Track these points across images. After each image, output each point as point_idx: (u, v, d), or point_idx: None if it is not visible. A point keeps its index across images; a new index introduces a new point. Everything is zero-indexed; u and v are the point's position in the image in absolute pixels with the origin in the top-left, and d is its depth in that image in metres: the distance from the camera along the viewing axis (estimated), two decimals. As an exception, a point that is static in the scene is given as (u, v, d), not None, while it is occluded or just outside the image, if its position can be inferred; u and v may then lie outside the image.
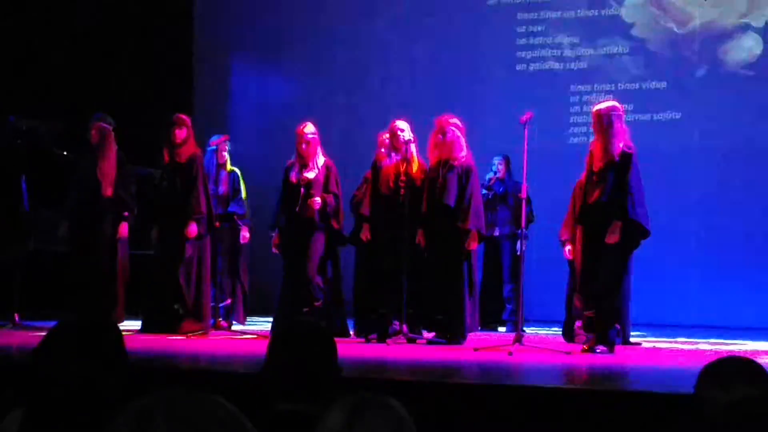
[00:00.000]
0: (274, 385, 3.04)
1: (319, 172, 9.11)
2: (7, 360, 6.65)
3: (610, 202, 7.83)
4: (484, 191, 10.36)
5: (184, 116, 9.35)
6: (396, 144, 8.83)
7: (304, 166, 9.14)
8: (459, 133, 8.77)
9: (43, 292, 9.68)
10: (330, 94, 12.99)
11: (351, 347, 7.89)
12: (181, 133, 9.19)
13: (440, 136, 8.77)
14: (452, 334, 8.56)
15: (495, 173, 10.73)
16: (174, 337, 8.76)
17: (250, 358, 7.03)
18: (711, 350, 8.24)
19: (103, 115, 9.35)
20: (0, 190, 9.56)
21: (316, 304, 8.86)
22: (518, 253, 8.39)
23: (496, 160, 10.74)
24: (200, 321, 9.15)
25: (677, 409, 4.77)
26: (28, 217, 9.50)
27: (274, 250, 9.20)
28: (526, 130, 8.13)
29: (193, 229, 9.06)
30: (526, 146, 8.06)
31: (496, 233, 10.47)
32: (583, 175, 8.20)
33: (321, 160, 9.16)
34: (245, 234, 9.93)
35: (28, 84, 11.87)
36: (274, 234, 9.24)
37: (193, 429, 1.65)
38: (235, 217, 9.85)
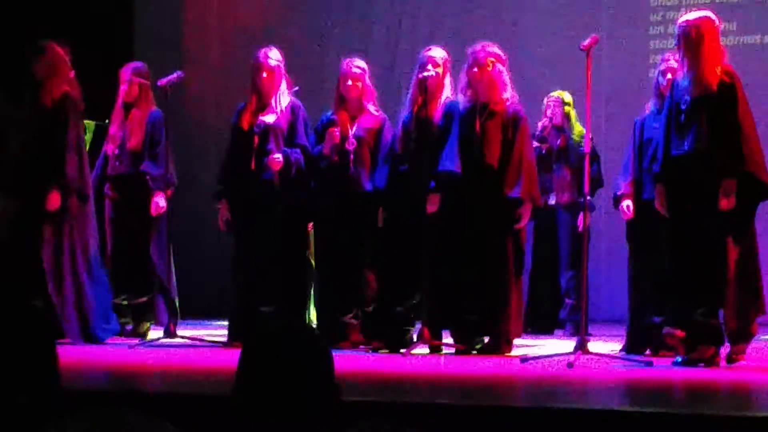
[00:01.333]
0: (248, 410, 3.04)
1: (281, 115, 9.09)
2: None
3: (712, 150, 7.73)
4: (536, 144, 10.36)
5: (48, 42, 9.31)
6: (419, 79, 8.79)
7: (262, 108, 9.12)
8: (501, 68, 8.77)
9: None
10: (318, 18, 13.01)
11: (354, 359, 7.96)
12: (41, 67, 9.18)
13: (476, 71, 8.73)
14: (493, 340, 8.59)
15: (550, 119, 10.69)
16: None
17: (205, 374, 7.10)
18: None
19: None
20: None
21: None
22: (580, 229, 8.35)
23: (551, 102, 10.71)
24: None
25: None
26: None
27: (221, 226, 9.21)
28: (589, 59, 8.07)
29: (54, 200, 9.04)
30: (589, 83, 7.99)
31: (551, 201, 10.41)
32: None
33: (285, 99, 9.14)
34: (159, 202, 9.81)
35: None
36: (219, 204, 9.23)
37: None
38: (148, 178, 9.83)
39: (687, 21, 7.96)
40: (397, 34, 12.81)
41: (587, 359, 7.74)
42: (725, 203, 7.60)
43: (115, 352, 8.78)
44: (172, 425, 4.55)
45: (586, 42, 8.13)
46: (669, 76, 8.24)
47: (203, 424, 5.18)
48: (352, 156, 8.99)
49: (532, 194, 8.64)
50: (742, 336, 7.73)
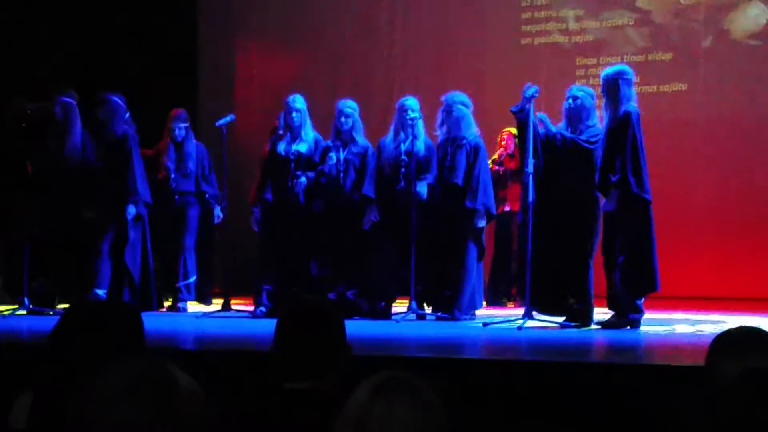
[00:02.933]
0: (283, 364, 3.06)
1: (309, 145, 9.04)
2: (18, 345, 6.67)
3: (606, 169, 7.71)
4: (495, 167, 10.34)
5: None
6: (403, 122, 8.75)
7: (293, 139, 9.07)
8: (466, 111, 8.74)
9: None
10: (334, 73, 12.97)
11: (361, 325, 7.88)
12: (102, 112, 9.16)
13: (447, 113, 8.73)
14: (459, 310, 8.55)
15: (504, 148, 10.61)
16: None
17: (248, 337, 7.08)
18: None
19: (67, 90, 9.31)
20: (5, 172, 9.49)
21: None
22: (529, 229, 8.31)
23: (505, 135, 10.62)
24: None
25: (688, 381, 4.77)
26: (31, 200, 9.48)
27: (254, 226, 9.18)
28: (531, 104, 8.05)
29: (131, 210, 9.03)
30: (529, 128, 7.96)
31: (507, 209, 10.38)
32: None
33: (311, 133, 9.09)
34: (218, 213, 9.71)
35: (33, 67, 11.87)
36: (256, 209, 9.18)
37: (171, 412, 1.66)
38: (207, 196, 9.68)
39: (607, 74, 7.92)
40: (392, 83, 12.77)
41: (531, 325, 7.75)
42: (609, 207, 7.66)
43: (188, 320, 8.75)
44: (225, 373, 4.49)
45: (527, 89, 8.06)
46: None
47: (246, 375, 5.19)
48: (342, 174, 8.92)
49: (486, 205, 8.62)
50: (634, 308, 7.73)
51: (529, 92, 7.97)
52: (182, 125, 9.61)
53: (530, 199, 7.97)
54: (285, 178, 8.99)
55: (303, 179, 8.91)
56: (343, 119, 8.96)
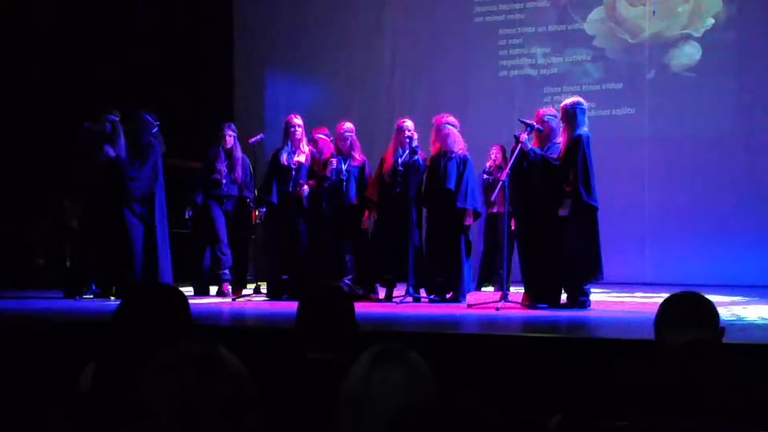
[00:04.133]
0: (305, 339, 3.07)
1: (306, 157, 9.00)
2: (85, 322, 6.68)
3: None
4: (485, 176, 10.33)
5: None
6: (401, 139, 8.77)
7: (294, 152, 9.01)
8: (454, 129, 8.72)
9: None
10: (346, 98, 13.01)
11: (365, 306, 7.83)
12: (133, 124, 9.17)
13: (438, 132, 8.72)
14: (453, 293, 8.54)
15: (494, 160, 10.53)
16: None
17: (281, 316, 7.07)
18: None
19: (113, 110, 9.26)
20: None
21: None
22: (512, 228, 8.30)
23: (494, 149, 10.53)
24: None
25: (640, 353, 4.76)
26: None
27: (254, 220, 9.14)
28: (527, 134, 7.99)
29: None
30: (515, 150, 7.93)
31: (494, 210, 10.37)
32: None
33: (306, 148, 9.04)
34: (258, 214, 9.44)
35: (86, 91, 11.87)
36: (262, 209, 9.15)
37: (216, 384, 1.63)
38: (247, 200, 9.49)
39: (566, 104, 7.94)
40: (392, 106, 12.78)
41: (508, 306, 7.77)
42: (562, 211, 7.64)
43: (224, 304, 8.68)
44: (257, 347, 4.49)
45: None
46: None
47: (274, 349, 5.19)
48: (345, 183, 8.87)
49: (474, 206, 8.60)
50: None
51: (529, 128, 7.94)
52: (232, 134, 9.52)
53: (505, 200, 7.99)
54: (287, 184, 8.94)
55: (306, 188, 8.88)
56: (341, 141, 8.97)
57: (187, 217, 9.57)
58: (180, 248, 9.65)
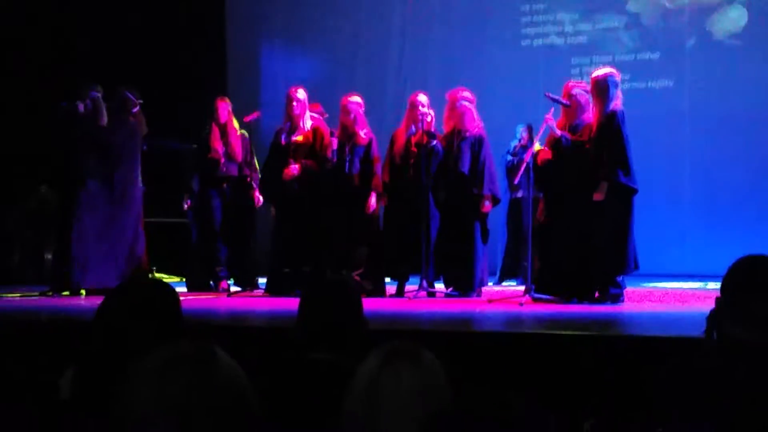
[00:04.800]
0: (307, 337, 3.07)
1: (306, 134, 8.91)
2: (62, 323, 6.69)
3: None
4: (510, 157, 10.32)
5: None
6: (414, 116, 8.70)
7: (293, 129, 8.96)
8: (470, 105, 8.65)
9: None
10: (352, 72, 12.99)
11: (376, 302, 7.83)
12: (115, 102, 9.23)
13: (452, 109, 8.68)
14: (466, 287, 8.52)
15: (519, 140, 10.55)
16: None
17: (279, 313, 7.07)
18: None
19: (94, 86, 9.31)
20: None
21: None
22: (538, 215, 8.28)
23: (520, 128, 10.61)
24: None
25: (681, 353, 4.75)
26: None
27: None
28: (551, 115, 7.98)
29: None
30: (546, 119, 7.94)
31: (519, 195, 10.34)
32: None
33: (308, 123, 8.96)
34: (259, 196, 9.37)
35: (68, 70, 11.90)
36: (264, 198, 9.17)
37: (211, 385, 1.66)
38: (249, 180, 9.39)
39: (597, 76, 7.90)
40: (404, 81, 12.78)
41: (532, 301, 7.74)
42: (597, 195, 7.61)
43: (222, 300, 8.70)
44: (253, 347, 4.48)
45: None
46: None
47: (270, 349, 5.19)
48: (348, 164, 8.81)
49: (492, 191, 8.58)
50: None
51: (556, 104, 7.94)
52: (225, 106, 9.49)
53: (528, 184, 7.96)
54: (285, 167, 8.88)
55: (294, 168, 8.80)
56: (344, 115, 8.86)
57: (185, 207, 9.56)
58: (180, 240, 9.67)
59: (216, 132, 9.42)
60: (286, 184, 8.84)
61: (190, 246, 9.67)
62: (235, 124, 9.51)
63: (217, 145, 9.37)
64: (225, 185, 9.44)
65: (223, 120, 9.42)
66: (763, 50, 11.45)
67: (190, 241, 9.66)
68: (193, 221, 9.66)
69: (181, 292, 8.80)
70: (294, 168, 8.80)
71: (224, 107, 9.49)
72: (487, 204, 8.56)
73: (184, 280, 9.77)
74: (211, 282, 9.49)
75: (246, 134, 9.49)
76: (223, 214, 9.43)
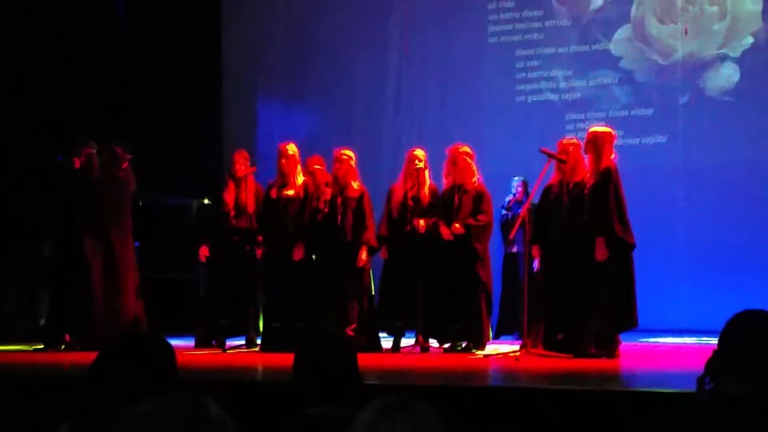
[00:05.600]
0: (303, 393, 3.04)
1: (297, 189, 8.92)
2: (58, 376, 6.65)
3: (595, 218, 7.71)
4: (504, 211, 10.31)
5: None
6: (410, 169, 8.76)
7: (284, 185, 8.97)
8: (470, 160, 8.72)
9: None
10: (347, 127, 13.03)
11: (369, 357, 7.79)
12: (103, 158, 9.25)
13: (452, 164, 8.72)
14: (475, 340, 8.44)
15: (514, 195, 10.55)
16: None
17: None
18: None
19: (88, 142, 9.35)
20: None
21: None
22: (534, 270, 8.27)
23: (515, 183, 10.61)
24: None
25: (672, 406, 4.73)
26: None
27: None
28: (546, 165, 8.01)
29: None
30: (541, 175, 7.95)
31: (514, 250, 10.35)
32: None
33: (300, 178, 8.98)
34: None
35: (66, 117, 11.94)
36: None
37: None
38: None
39: (596, 131, 7.97)
40: (399, 136, 12.82)
41: (528, 355, 7.71)
42: (600, 254, 7.61)
43: (217, 356, 8.67)
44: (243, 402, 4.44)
45: (546, 148, 8.09)
46: None
47: (263, 405, 5.16)
48: (339, 216, 8.74)
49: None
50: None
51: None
52: (243, 161, 9.39)
53: (524, 239, 7.96)
54: (278, 221, 8.87)
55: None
56: (337, 165, 8.85)
57: (201, 258, 9.49)
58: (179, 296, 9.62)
59: (230, 185, 9.38)
60: (278, 239, 8.82)
61: (197, 301, 9.60)
62: (251, 178, 9.41)
63: (228, 199, 9.33)
64: (235, 238, 9.30)
65: (239, 174, 9.35)
66: (755, 107, 11.52)
67: (198, 296, 9.59)
68: (203, 274, 9.60)
69: (178, 347, 8.71)
70: (299, 252, 8.77)
71: (240, 161, 9.43)
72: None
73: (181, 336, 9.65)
74: (213, 340, 9.28)
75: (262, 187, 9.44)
76: (230, 268, 9.27)
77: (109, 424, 2.43)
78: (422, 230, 8.51)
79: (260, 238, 9.16)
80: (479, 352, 8.28)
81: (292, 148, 9.01)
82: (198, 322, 9.49)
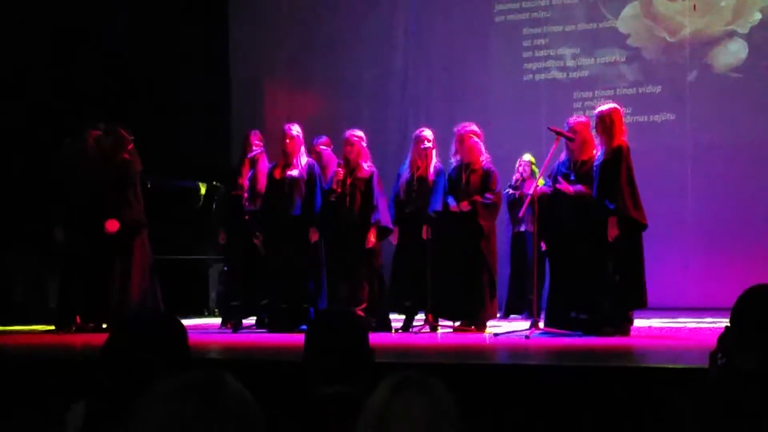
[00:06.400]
0: (315, 371, 3.04)
1: (301, 170, 8.87)
2: (71, 357, 6.67)
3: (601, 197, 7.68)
4: (511, 191, 10.30)
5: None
6: (418, 149, 8.75)
7: (288, 165, 8.93)
8: (477, 139, 8.72)
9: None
10: (353, 111, 13.00)
11: (380, 336, 7.82)
12: (109, 140, 9.22)
13: (460, 143, 8.72)
14: (476, 320, 8.48)
15: (521, 174, 10.56)
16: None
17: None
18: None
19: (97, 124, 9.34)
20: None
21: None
22: (542, 249, 8.26)
23: (522, 162, 10.60)
24: None
25: (685, 382, 4.72)
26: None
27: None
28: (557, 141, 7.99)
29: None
30: (551, 152, 7.93)
31: (522, 229, 10.33)
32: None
33: (304, 159, 8.95)
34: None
35: (73, 104, 11.95)
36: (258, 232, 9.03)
37: (220, 410, 1.64)
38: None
39: (602, 111, 7.94)
40: (406, 117, 12.81)
41: (538, 333, 7.72)
42: (612, 233, 7.59)
43: (229, 336, 8.67)
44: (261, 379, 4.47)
45: (554, 126, 8.05)
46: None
47: (278, 383, 5.15)
48: (348, 197, 8.76)
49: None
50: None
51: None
52: (258, 142, 9.38)
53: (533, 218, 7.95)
54: (281, 201, 8.85)
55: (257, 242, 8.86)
56: (348, 147, 8.85)
57: (221, 242, 9.49)
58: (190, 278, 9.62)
59: (245, 167, 9.37)
60: (281, 218, 8.82)
61: (223, 283, 9.60)
62: (264, 160, 9.36)
63: (242, 182, 9.32)
64: (248, 219, 9.23)
65: (250, 154, 9.33)
66: (763, 83, 11.47)
67: (224, 278, 9.60)
68: (227, 258, 9.62)
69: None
70: (314, 234, 8.75)
71: (253, 140, 9.40)
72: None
73: (198, 318, 9.67)
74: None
75: None
76: (245, 250, 9.21)
77: (125, 404, 2.44)
78: (466, 209, 8.48)
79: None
80: (487, 332, 8.29)
81: (296, 129, 8.99)
82: (222, 305, 9.51)
